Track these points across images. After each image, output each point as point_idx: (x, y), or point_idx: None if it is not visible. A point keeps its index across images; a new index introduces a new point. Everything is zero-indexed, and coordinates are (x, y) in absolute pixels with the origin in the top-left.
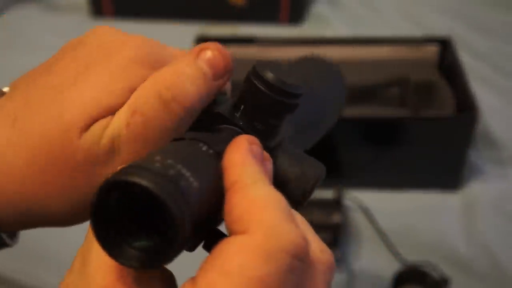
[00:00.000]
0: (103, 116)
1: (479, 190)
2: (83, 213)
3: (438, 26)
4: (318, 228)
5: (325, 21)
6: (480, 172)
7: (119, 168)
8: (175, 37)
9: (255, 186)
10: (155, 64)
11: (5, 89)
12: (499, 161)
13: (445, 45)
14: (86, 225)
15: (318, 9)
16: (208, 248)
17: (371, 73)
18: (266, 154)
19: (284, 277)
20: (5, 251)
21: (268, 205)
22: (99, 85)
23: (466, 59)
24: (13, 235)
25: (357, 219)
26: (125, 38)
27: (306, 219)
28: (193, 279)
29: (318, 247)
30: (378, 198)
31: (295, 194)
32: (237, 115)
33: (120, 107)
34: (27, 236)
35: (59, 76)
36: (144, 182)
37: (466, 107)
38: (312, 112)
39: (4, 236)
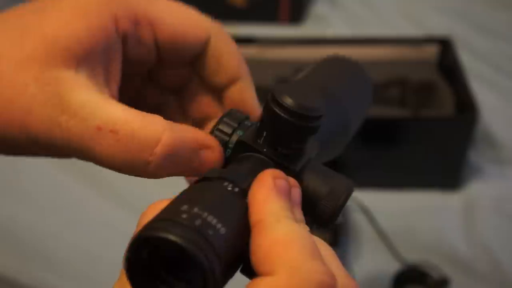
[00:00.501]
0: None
1: (479, 190)
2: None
3: (438, 26)
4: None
5: (325, 21)
6: (480, 172)
7: (147, 222)
8: None
9: (279, 224)
10: (117, 6)
11: None
12: (499, 161)
13: (445, 45)
14: (86, 225)
15: (318, 9)
16: (246, 271)
17: (371, 73)
18: (293, 181)
19: None
20: (5, 251)
21: (292, 244)
22: (62, 23)
23: (466, 59)
24: None
25: (357, 219)
26: None
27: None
28: None
29: (344, 281)
30: (378, 198)
31: (326, 212)
32: (260, 141)
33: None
34: (26, 236)
35: (28, 7)
36: (173, 238)
37: (466, 107)
38: (337, 120)
39: None
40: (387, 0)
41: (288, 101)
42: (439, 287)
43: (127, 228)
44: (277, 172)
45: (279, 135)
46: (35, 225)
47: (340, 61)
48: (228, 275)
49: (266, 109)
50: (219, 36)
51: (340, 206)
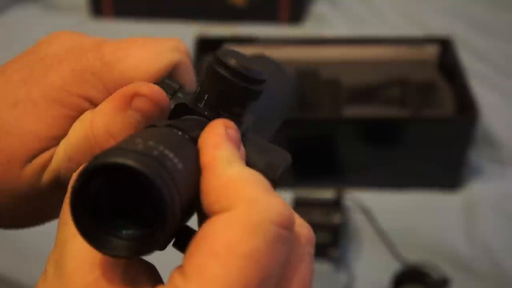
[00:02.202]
0: (45, 149)
1: (479, 190)
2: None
3: (439, 26)
4: (318, 228)
5: (325, 21)
6: (480, 172)
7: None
8: (175, 37)
9: (231, 165)
10: (93, 81)
11: None
12: (499, 161)
13: (445, 45)
14: None
15: (318, 9)
16: (180, 245)
17: (371, 73)
18: (242, 149)
19: (273, 248)
20: (5, 251)
21: (247, 180)
22: (37, 113)
23: (467, 59)
24: None
25: (357, 219)
26: (69, 49)
27: (305, 219)
28: (180, 268)
29: (298, 220)
30: (378, 198)
31: None
32: (201, 105)
33: (63, 136)
34: (26, 236)
35: (2, 90)
36: (131, 163)
37: (466, 107)
38: (266, 105)
39: None
40: (387, 0)
41: (233, 62)
42: (439, 287)
43: None
44: (229, 122)
45: (221, 98)
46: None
47: (263, 58)
48: (184, 218)
49: (209, 70)
50: (182, 68)
51: (278, 179)
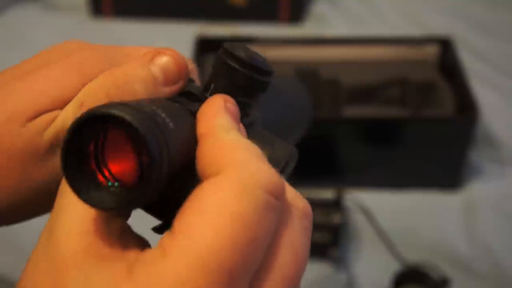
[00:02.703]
0: (52, 109)
1: (479, 190)
2: (13, 211)
3: (439, 26)
4: (318, 228)
5: (325, 21)
6: (480, 172)
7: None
8: (175, 37)
9: (227, 134)
10: (111, 63)
11: None
12: (500, 161)
13: (445, 45)
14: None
15: (318, 9)
16: (166, 213)
17: (371, 73)
18: (241, 126)
19: (262, 213)
20: (5, 251)
21: (240, 146)
22: (51, 79)
23: (467, 59)
24: None
25: (357, 219)
26: (86, 45)
27: None
28: (170, 230)
29: (293, 192)
30: (378, 198)
31: None
32: (207, 94)
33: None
34: (26, 236)
35: (13, 71)
36: (121, 114)
37: (467, 107)
38: (278, 111)
39: None
40: (387, 0)
41: (241, 53)
42: (439, 287)
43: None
44: (228, 97)
45: (228, 87)
46: (35, 224)
47: (284, 77)
48: (173, 182)
49: (217, 62)
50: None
51: (281, 171)
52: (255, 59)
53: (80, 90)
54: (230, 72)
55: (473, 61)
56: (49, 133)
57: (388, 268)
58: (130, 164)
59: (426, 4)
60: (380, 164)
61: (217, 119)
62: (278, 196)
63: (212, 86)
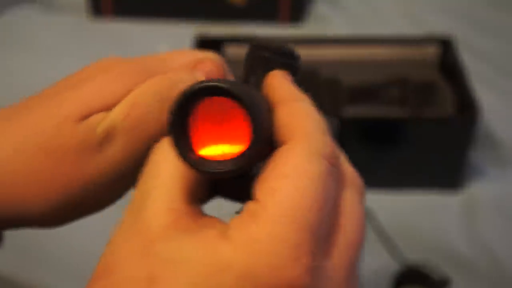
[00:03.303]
0: (99, 111)
1: (479, 190)
2: (65, 210)
3: (439, 26)
4: None
5: (325, 21)
6: (480, 172)
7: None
8: (175, 37)
9: (302, 101)
10: (149, 74)
11: None
12: (500, 161)
13: (446, 45)
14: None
15: (318, 9)
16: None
17: (371, 73)
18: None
19: (328, 178)
20: (5, 251)
21: (310, 116)
22: (97, 88)
23: (467, 59)
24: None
25: None
26: (123, 59)
27: None
28: (253, 196)
29: (350, 168)
30: (378, 198)
31: None
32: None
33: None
34: (26, 236)
35: (60, 84)
36: (226, 85)
37: (467, 107)
38: None
39: None
40: (388, 0)
41: (273, 44)
42: (440, 287)
43: None
44: (286, 73)
45: (263, 78)
46: None
47: None
48: (264, 150)
49: (251, 56)
50: None
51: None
52: (284, 47)
53: (122, 97)
54: (266, 63)
55: (474, 61)
56: (101, 129)
57: (388, 268)
58: (229, 134)
59: (426, 4)
60: (380, 164)
61: (286, 86)
62: (335, 164)
63: (252, 78)
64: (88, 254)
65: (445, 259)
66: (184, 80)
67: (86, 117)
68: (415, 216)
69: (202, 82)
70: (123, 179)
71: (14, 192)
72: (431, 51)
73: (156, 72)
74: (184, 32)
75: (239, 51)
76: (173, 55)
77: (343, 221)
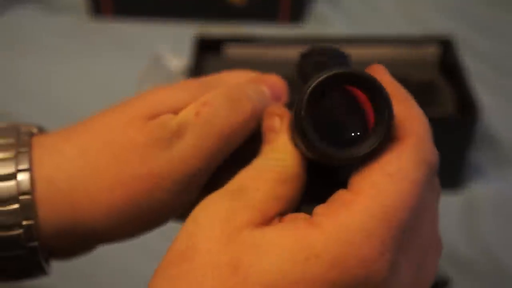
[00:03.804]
0: (167, 113)
1: (480, 191)
2: (129, 218)
3: (439, 26)
4: None
5: (325, 21)
6: (481, 173)
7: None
8: (175, 37)
9: (414, 103)
10: (212, 88)
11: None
12: (500, 161)
13: (446, 45)
14: None
15: (318, 9)
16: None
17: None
18: None
19: (427, 185)
20: None
21: (424, 120)
22: (165, 95)
23: (467, 59)
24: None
25: None
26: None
27: None
28: (349, 187)
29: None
30: None
31: None
32: None
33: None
34: None
35: (124, 100)
36: (366, 74)
37: (467, 107)
38: None
39: (42, 261)
40: (388, 0)
41: (324, 49)
42: (439, 287)
43: None
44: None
45: None
46: None
47: None
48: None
49: (305, 64)
50: None
51: None
52: (337, 49)
53: (188, 103)
54: (321, 67)
55: (474, 61)
56: (173, 125)
57: None
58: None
59: (426, 4)
60: None
61: (400, 86)
62: (434, 175)
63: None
64: (88, 255)
65: (445, 259)
66: (252, 88)
67: (153, 117)
68: None
69: (332, 70)
70: (189, 184)
71: (77, 196)
72: (431, 51)
73: (216, 86)
74: (184, 32)
75: (239, 51)
76: (229, 74)
77: (421, 225)
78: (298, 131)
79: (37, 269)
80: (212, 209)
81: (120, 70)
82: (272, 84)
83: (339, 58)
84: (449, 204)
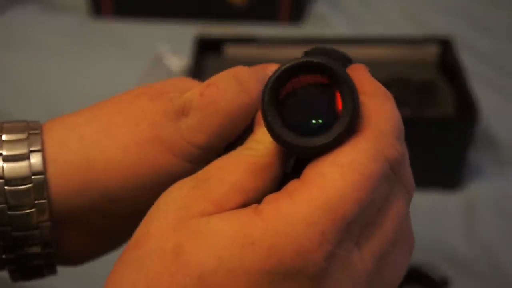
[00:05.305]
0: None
1: (479, 190)
2: (146, 181)
3: (439, 26)
4: None
5: (325, 21)
6: (480, 172)
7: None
8: (175, 37)
9: (388, 101)
10: None
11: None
12: (500, 161)
13: (445, 45)
14: None
15: (318, 9)
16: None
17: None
18: None
19: (382, 180)
20: None
21: (390, 116)
22: (172, 81)
23: (467, 59)
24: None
25: None
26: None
27: None
28: (300, 177)
29: (408, 172)
30: None
31: None
32: None
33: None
34: None
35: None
36: (324, 60)
37: (467, 107)
38: None
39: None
40: (387, 0)
41: (329, 49)
42: (439, 287)
43: None
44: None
45: None
46: None
47: None
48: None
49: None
50: None
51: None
52: (340, 51)
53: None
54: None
55: (473, 61)
56: (178, 101)
57: None
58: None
59: (426, 4)
60: None
61: (378, 84)
62: (396, 172)
63: None
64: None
65: (445, 259)
66: (258, 71)
67: (162, 93)
68: (414, 216)
69: (301, 58)
70: (199, 157)
71: (91, 154)
72: (431, 51)
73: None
74: (184, 32)
75: (239, 51)
76: None
77: (383, 219)
78: (263, 117)
79: (47, 262)
80: (173, 196)
81: (120, 70)
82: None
83: (342, 60)
84: (449, 204)
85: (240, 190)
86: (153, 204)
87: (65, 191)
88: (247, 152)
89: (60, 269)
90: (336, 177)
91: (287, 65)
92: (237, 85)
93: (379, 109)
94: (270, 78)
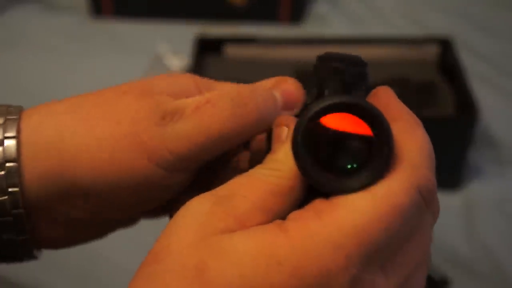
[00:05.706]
0: (165, 95)
1: (479, 190)
2: (116, 180)
3: (439, 26)
4: None
5: (325, 21)
6: (480, 172)
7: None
8: (175, 37)
9: (418, 128)
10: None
11: None
12: (500, 161)
13: (445, 45)
14: None
15: (318, 9)
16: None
17: (371, 73)
18: None
19: (414, 213)
20: None
21: (421, 146)
22: (163, 78)
23: (467, 59)
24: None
25: None
26: None
27: None
28: (329, 198)
29: (435, 196)
30: None
31: None
32: None
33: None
34: None
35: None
36: (370, 107)
37: (467, 107)
38: None
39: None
40: (388, 0)
41: (342, 55)
42: (440, 287)
43: (129, 229)
44: (390, 89)
45: (342, 87)
46: None
47: None
48: None
49: (322, 69)
50: None
51: None
52: (355, 56)
53: (190, 92)
54: (341, 74)
55: (473, 61)
56: (168, 107)
57: None
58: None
59: (426, 4)
60: None
61: (406, 109)
62: (428, 203)
63: (326, 91)
64: (89, 254)
65: (445, 259)
66: (263, 95)
67: (150, 95)
68: None
69: (333, 97)
70: (176, 168)
71: (65, 143)
72: (431, 51)
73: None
74: (184, 32)
75: (239, 51)
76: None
77: (410, 246)
78: (293, 155)
79: (23, 248)
80: (193, 211)
81: (120, 70)
82: (287, 91)
83: (357, 66)
84: (449, 204)
85: (263, 210)
86: (136, 205)
87: (37, 177)
88: (270, 173)
89: (61, 267)
90: (368, 204)
91: (321, 105)
92: (235, 107)
93: (411, 139)
94: (301, 119)
